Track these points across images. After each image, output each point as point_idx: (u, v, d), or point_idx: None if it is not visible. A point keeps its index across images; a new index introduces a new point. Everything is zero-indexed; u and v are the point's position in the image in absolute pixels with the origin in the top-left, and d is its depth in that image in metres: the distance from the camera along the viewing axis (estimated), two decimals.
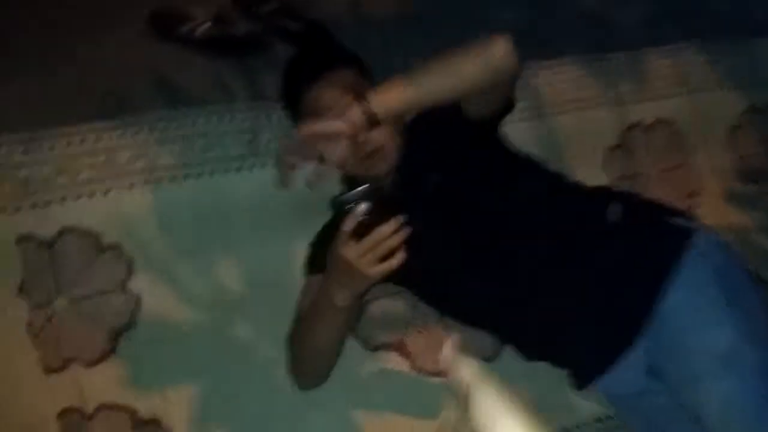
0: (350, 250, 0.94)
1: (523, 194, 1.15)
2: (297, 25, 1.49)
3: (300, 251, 1.25)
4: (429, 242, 1.14)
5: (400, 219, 0.92)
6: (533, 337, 1.18)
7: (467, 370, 0.70)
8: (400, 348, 1.31)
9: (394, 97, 1.00)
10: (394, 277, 1.03)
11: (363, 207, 0.91)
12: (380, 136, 1.11)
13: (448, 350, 0.77)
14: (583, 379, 1.18)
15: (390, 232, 0.92)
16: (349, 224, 0.92)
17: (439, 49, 1.04)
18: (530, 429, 0.58)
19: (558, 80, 1.54)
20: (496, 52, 1.03)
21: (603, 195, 1.25)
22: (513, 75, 1.10)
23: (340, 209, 0.93)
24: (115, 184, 1.22)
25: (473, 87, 1.05)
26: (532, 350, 1.21)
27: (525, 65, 1.49)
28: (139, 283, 1.24)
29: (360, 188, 0.92)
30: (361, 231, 0.92)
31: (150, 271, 1.25)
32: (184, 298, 1.26)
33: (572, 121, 1.54)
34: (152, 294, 1.24)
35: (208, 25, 1.44)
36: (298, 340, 1.14)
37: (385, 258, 0.94)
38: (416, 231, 1.03)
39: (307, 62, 1.24)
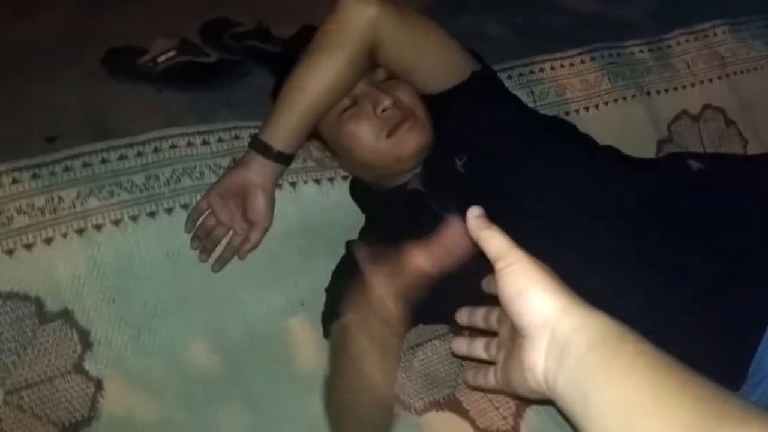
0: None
1: (569, 158, 0.94)
2: (274, 47, 1.29)
3: (288, 303, 1.01)
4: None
5: None
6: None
7: (498, 240, 0.54)
8: (454, 405, 0.98)
9: (286, 122, 0.91)
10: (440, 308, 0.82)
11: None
12: (410, 100, 0.94)
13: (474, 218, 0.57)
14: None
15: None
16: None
17: None
18: (561, 296, 0.49)
19: (584, 71, 1.32)
20: (349, 6, 0.90)
21: (670, 155, 1.05)
22: (388, 18, 0.91)
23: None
24: (60, 231, 0.93)
25: (355, 55, 0.91)
26: None
27: (538, 58, 1.31)
28: (99, 361, 0.93)
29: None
30: None
31: (113, 344, 0.94)
32: (159, 377, 0.95)
33: (610, 114, 1.31)
34: (116, 375, 0.94)
35: (171, 54, 1.22)
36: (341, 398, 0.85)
37: None
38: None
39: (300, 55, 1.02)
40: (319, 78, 0.91)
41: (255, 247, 0.98)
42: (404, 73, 0.97)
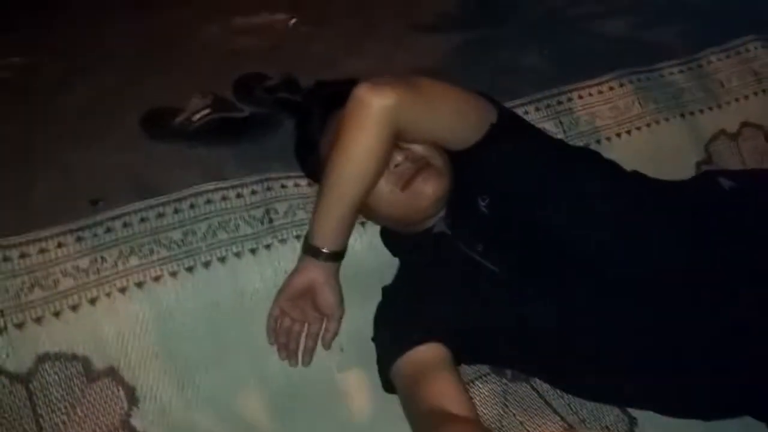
0: None
1: (593, 188, 0.94)
2: (299, 97, 1.32)
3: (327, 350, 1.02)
4: (509, 278, 0.90)
5: None
6: (699, 380, 0.84)
7: None
8: None
9: (328, 225, 0.92)
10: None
11: None
12: (423, 150, 0.95)
13: None
14: None
15: None
16: None
17: None
18: None
19: (613, 98, 1.31)
20: (367, 103, 0.88)
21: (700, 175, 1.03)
22: (405, 104, 0.89)
23: None
24: (104, 291, 0.97)
25: (380, 150, 0.90)
26: (701, 403, 0.87)
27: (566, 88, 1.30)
28: (145, 416, 0.96)
29: None
30: None
31: (157, 399, 0.97)
32: (203, 429, 0.96)
33: (644, 140, 1.29)
34: (162, 429, 0.96)
35: (206, 112, 1.27)
36: None
37: None
38: (487, 270, 0.90)
39: (315, 113, 1.06)
40: (352, 181, 0.91)
41: (336, 335, 1.01)
42: (426, 143, 0.98)
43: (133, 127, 1.31)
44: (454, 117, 0.95)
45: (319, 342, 1.01)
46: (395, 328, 0.97)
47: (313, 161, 1.03)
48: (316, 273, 0.95)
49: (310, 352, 1.01)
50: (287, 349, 1.01)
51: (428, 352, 0.90)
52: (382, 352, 0.97)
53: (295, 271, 0.97)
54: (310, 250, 0.95)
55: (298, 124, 1.09)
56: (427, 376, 0.88)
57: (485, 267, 0.93)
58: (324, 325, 1.00)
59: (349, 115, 0.89)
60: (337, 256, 0.95)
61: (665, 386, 0.89)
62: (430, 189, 0.94)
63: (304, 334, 1.00)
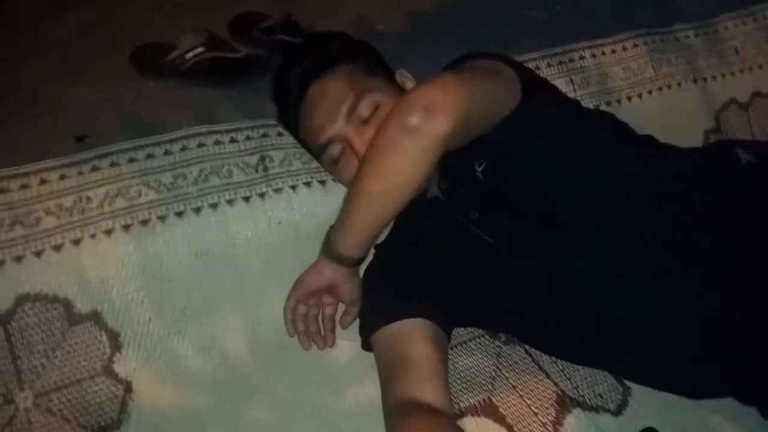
0: None
1: (605, 156, 0.88)
2: (299, 40, 1.26)
3: None
4: (504, 249, 0.90)
5: None
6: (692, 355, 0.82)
7: None
8: (490, 411, 0.94)
9: (357, 239, 0.87)
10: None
11: None
12: None
13: None
14: None
15: None
16: None
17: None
18: None
19: (627, 58, 1.26)
20: (420, 133, 0.78)
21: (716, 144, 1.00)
22: (459, 129, 0.79)
23: None
24: (88, 232, 0.92)
25: (424, 177, 0.82)
26: (691, 379, 0.85)
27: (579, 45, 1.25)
28: (128, 363, 0.92)
29: None
30: None
31: (142, 346, 0.93)
32: (189, 377, 0.94)
33: (655, 104, 1.25)
34: (146, 377, 0.92)
35: (200, 50, 1.20)
36: None
37: None
38: (480, 240, 0.87)
39: (291, 75, 0.99)
40: (389, 205, 0.85)
41: (356, 318, 0.97)
42: None
43: (121, 62, 1.24)
44: (496, 117, 0.87)
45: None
46: (381, 295, 0.94)
47: (296, 136, 1.01)
48: (337, 275, 0.92)
49: (331, 335, 0.98)
50: (308, 334, 0.97)
51: (412, 328, 0.88)
52: (365, 318, 0.95)
53: (315, 271, 0.93)
54: (334, 257, 0.90)
55: (275, 97, 1.02)
56: (406, 354, 0.86)
57: (479, 237, 0.89)
58: (345, 309, 0.97)
59: (396, 138, 0.80)
60: (362, 259, 0.92)
61: (652, 363, 0.87)
62: None
63: (320, 317, 0.98)
